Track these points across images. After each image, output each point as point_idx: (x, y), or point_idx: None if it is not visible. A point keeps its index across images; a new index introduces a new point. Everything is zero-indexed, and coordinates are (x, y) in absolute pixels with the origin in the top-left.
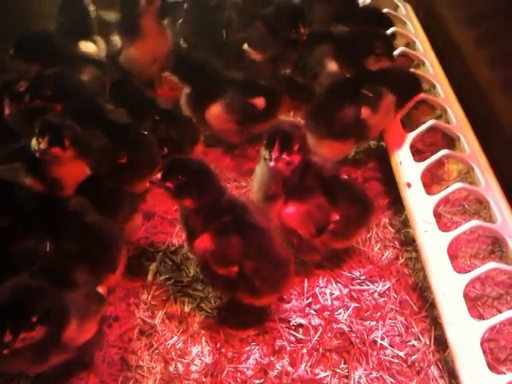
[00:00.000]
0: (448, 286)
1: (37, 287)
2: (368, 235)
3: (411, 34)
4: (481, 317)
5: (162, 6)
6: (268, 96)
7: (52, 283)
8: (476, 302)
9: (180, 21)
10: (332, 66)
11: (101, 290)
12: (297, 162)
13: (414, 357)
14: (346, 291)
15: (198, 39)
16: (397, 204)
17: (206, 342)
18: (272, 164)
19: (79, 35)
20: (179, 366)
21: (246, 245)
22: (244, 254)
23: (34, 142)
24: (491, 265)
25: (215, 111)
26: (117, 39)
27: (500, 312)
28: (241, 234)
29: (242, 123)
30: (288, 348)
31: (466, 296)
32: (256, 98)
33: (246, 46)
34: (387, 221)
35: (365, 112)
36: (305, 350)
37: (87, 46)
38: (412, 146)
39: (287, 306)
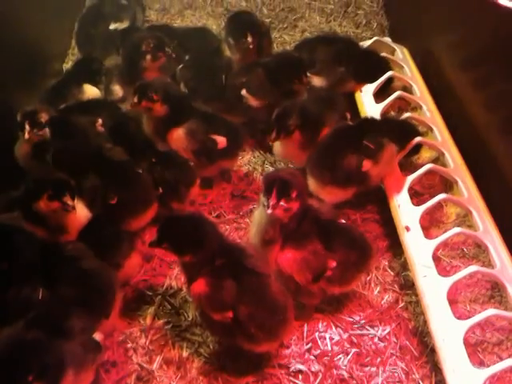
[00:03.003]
0: (448, 333)
1: (32, 342)
2: (368, 278)
3: (408, 77)
4: (481, 363)
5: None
6: (231, 136)
7: (48, 333)
8: (476, 348)
9: (180, 66)
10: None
11: (97, 336)
12: (295, 208)
13: None
14: (345, 336)
15: (197, 84)
16: (396, 246)
17: None
18: (269, 211)
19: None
20: None
21: (241, 290)
22: (238, 298)
23: (42, 203)
24: (491, 311)
25: (176, 135)
26: (117, 89)
27: (500, 358)
28: (236, 278)
29: (200, 155)
30: None
31: (466, 342)
32: (218, 136)
33: (244, 92)
34: (387, 264)
35: (366, 165)
36: None
37: (91, 90)
38: (410, 189)
39: (287, 351)
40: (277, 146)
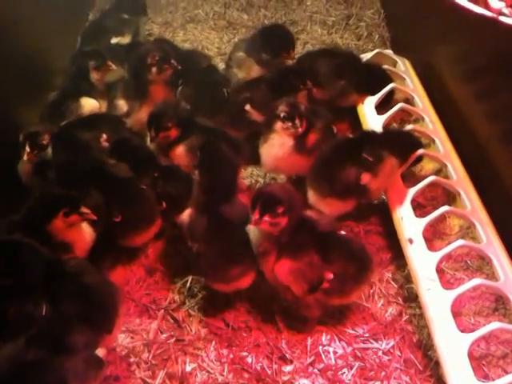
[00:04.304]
0: (452, 347)
1: (34, 361)
2: (371, 291)
3: (410, 89)
4: (486, 377)
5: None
6: (233, 150)
7: (50, 350)
8: (481, 362)
9: (180, 88)
10: None
11: (100, 352)
12: (283, 223)
13: None
14: (349, 349)
15: (199, 99)
16: (399, 258)
17: None
18: (251, 226)
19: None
20: None
21: (209, 228)
22: (204, 235)
23: (59, 221)
24: (495, 324)
25: (179, 151)
26: (122, 103)
27: (506, 372)
28: (210, 218)
29: None
30: None
31: (470, 355)
32: None
33: (248, 107)
34: (390, 276)
35: (365, 178)
36: None
37: (89, 103)
38: (413, 201)
39: (290, 365)
40: (268, 150)
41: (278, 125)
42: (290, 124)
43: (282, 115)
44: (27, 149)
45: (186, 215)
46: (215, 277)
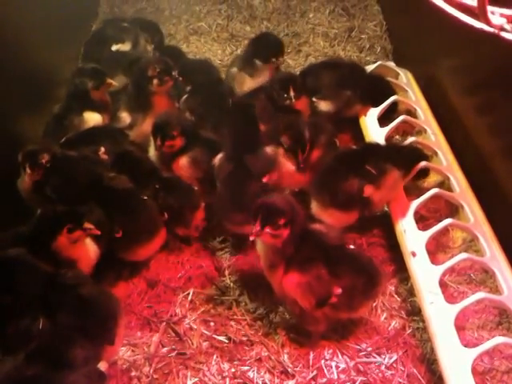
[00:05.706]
0: (456, 361)
1: (35, 377)
2: (374, 304)
3: (412, 101)
4: None
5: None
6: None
7: (50, 365)
8: (485, 377)
9: (184, 98)
10: None
11: (101, 365)
12: (285, 235)
13: None
14: (352, 364)
15: (204, 110)
16: (402, 271)
17: None
18: (251, 238)
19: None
20: None
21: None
22: (224, 179)
23: (63, 238)
24: (499, 339)
25: (181, 164)
26: (125, 116)
27: None
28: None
29: (205, 182)
30: None
31: (474, 370)
32: None
33: None
34: (393, 289)
35: (367, 190)
36: None
37: (92, 117)
38: (416, 213)
39: (292, 380)
40: None
41: (281, 150)
42: (292, 156)
43: (285, 146)
44: (28, 170)
45: (218, 158)
46: (223, 217)
